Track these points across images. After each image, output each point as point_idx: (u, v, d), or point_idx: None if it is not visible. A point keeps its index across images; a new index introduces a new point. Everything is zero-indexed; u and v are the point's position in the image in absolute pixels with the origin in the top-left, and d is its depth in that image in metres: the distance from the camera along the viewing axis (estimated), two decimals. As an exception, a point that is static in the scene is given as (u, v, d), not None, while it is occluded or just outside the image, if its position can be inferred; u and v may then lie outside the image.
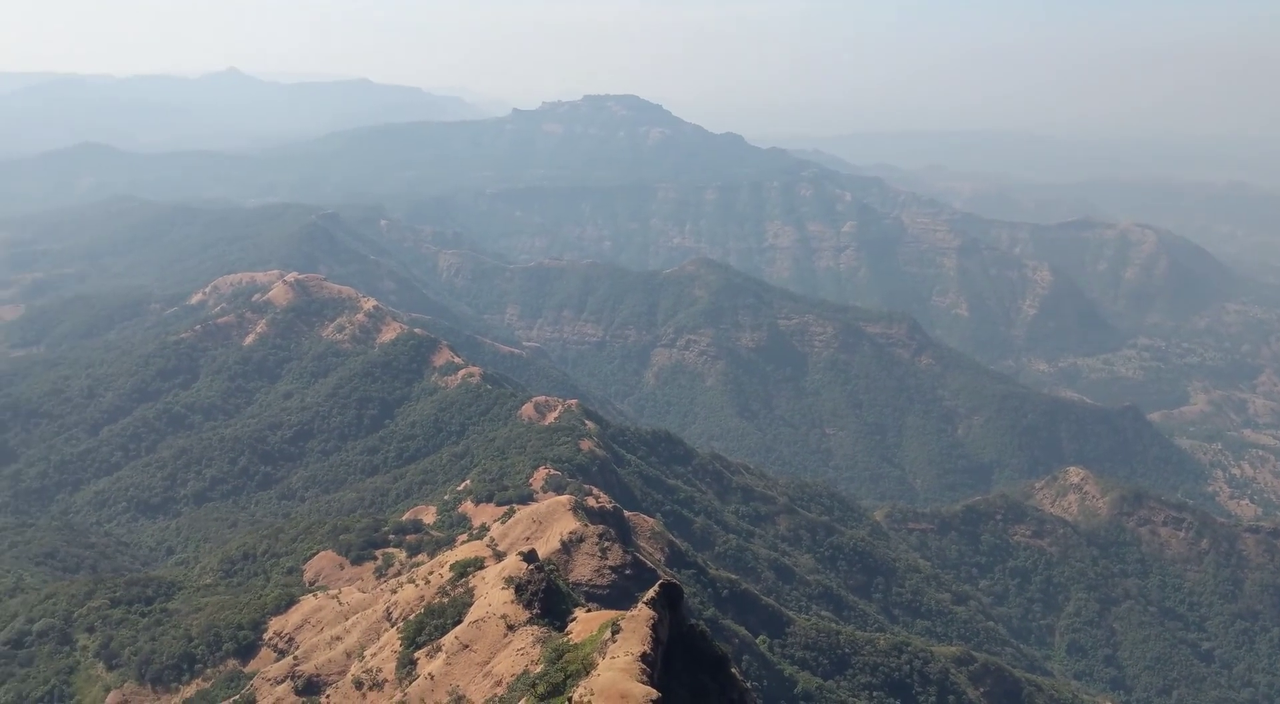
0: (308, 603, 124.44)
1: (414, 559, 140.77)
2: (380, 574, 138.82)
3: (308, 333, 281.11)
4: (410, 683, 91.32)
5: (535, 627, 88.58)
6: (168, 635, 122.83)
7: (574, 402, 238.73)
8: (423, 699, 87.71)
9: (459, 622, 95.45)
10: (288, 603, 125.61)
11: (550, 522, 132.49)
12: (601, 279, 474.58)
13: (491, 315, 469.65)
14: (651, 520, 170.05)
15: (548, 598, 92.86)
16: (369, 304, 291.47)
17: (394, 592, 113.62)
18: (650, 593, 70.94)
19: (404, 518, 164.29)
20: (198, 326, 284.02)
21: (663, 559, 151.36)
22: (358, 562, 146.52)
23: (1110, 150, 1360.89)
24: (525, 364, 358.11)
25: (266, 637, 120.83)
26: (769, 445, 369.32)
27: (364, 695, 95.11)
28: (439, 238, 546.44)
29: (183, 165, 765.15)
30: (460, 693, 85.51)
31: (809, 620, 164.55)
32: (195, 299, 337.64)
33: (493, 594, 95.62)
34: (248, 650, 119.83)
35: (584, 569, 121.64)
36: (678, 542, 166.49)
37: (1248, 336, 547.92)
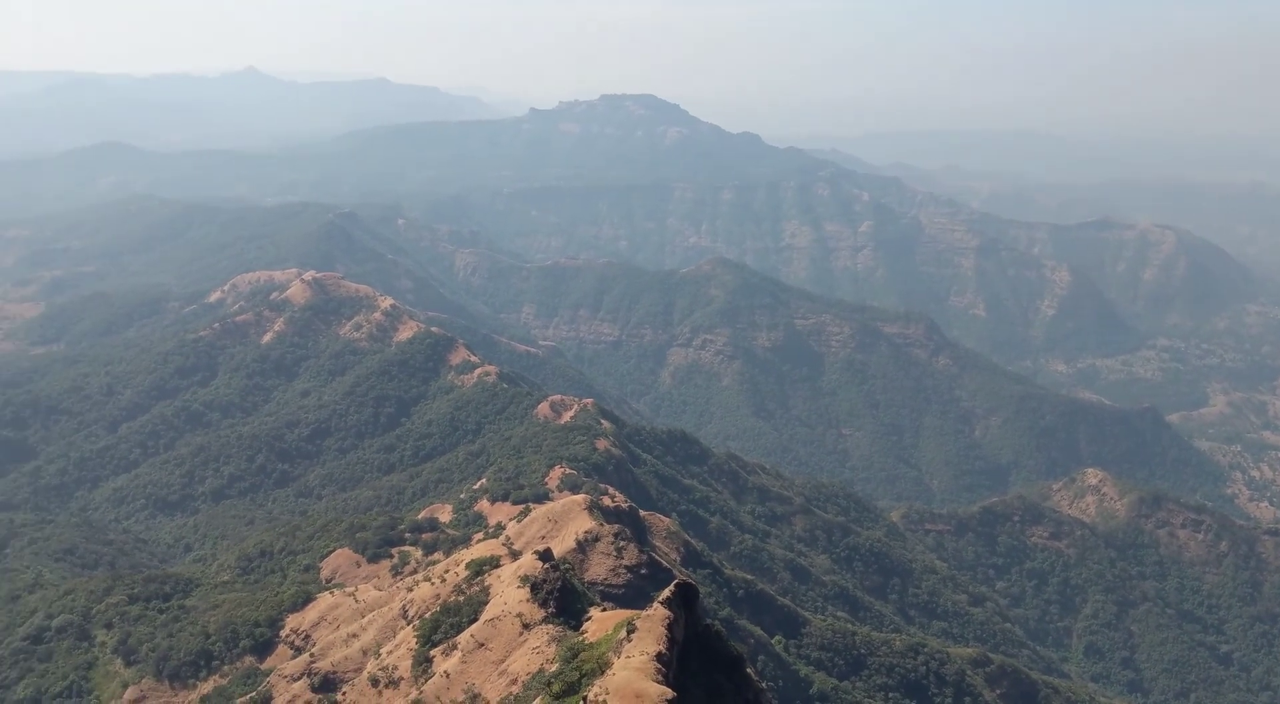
0: (324, 600, 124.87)
1: (430, 557, 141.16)
2: (396, 572, 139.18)
3: (325, 331, 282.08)
4: (426, 681, 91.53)
5: (551, 626, 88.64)
6: (185, 632, 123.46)
7: (590, 401, 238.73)
8: (438, 697, 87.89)
9: (475, 620, 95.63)
10: (304, 600, 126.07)
11: (566, 521, 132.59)
12: (618, 278, 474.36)
13: (508, 314, 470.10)
14: (667, 520, 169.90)
15: (563, 597, 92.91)
16: (386, 303, 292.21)
17: (410, 590, 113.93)
18: (666, 592, 70.89)
19: (420, 516, 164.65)
20: (216, 325, 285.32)
21: (678, 559, 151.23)
22: (374, 559, 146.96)
23: (1130, 150, 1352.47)
24: (541, 363, 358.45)
25: (283, 634, 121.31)
26: (785, 445, 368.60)
27: (380, 693, 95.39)
28: (456, 237, 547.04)
29: (202, 164, 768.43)
30: (476, 691, 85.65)
31: (825, 621, 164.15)
32: (214, 297, 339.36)
33: (508, 593, 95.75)
34: (265, 647, 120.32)
35: (599, 568, 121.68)
36: (693, 541, 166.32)
37: (1268, 338, 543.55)
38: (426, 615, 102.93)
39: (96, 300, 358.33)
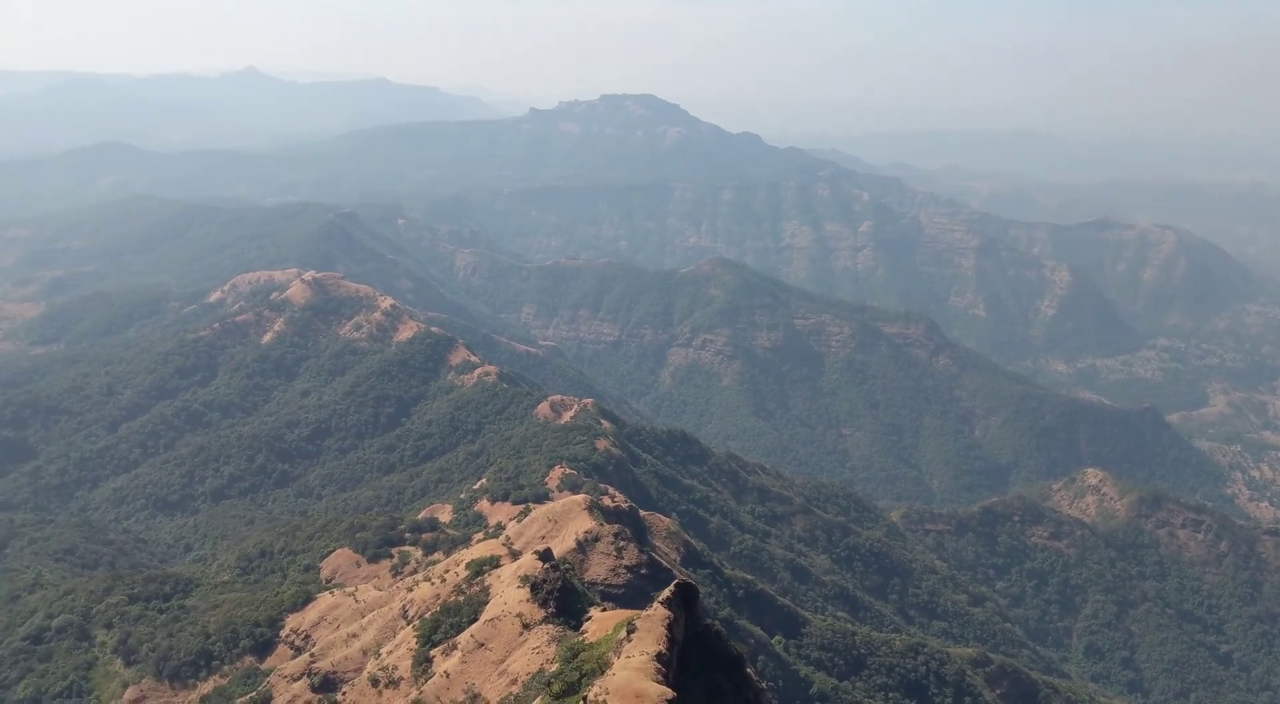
0: (324, 600, 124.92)
1: (430, 557, 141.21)
2: (396, 572, 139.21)
3: (325, 331, 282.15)
4: (426, 681, 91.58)
5: (550, 626, 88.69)
6: (185, 632, 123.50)
7: (590, 401, 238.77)
8: (438, 697, 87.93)
9: (474, 620, 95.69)
10: (304, 600, 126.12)
11: (566, 521, 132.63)
12: (618, 278, 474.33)
13: (508, 314, 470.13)
14: (667, 520, 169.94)
15: (563, 597, 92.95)
16: (386, 303, 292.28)
17: (410, 590, 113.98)
18: (666, 593, 70.91)
19: (420, 516, 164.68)
20: (216, 324, 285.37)
21: (678, 559, 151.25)
22: (374, 559, 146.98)
23: (1130, 150, 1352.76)
24: (541, 363, 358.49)
25: (283, 634, 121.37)
26: (785, 445, 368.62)
27: (380, 693, 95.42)
28: (456, 237, 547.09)
29: (202, 164, 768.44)
30: (476, 691, 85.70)
31: (825, 621, 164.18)
32: (214, 297, 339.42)
33: (508, 593, 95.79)
34: (265, 647, 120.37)
35: (599, 568, 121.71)
36: (693, 541, 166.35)
37: (1268, 338, 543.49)
38: (426, 615, 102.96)
39: (96, 300, 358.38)
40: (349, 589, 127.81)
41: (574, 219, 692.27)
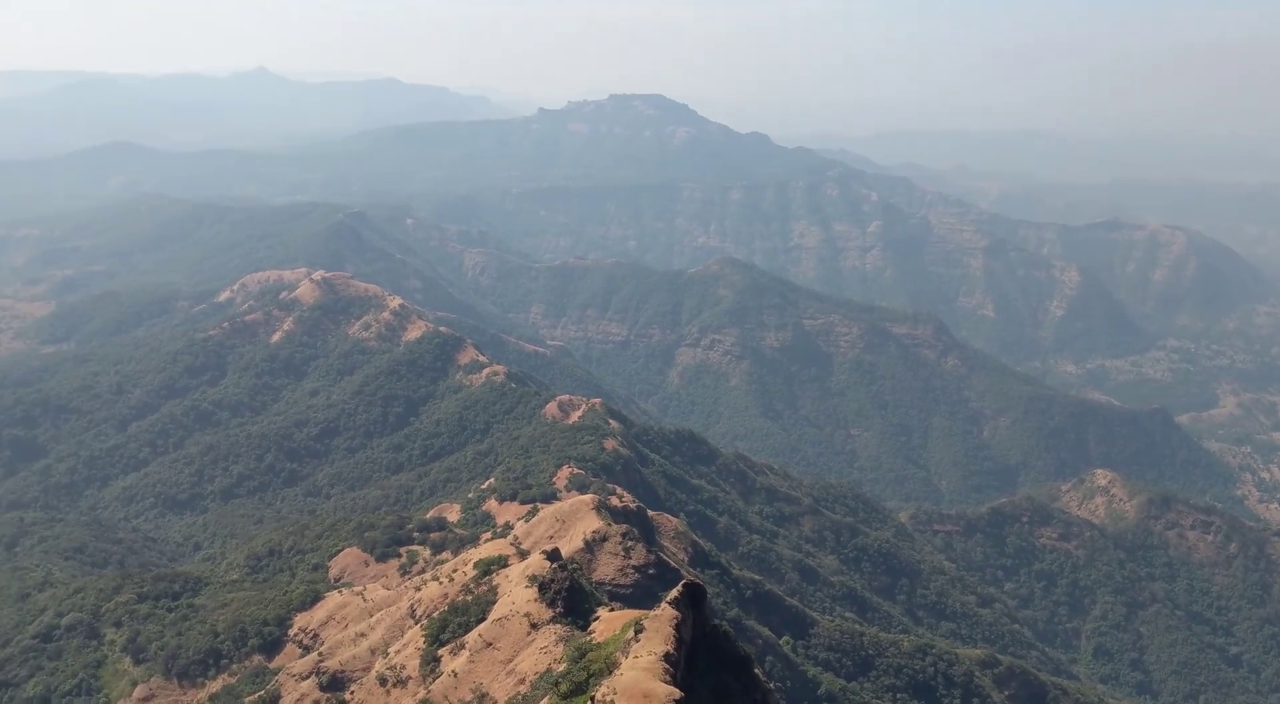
0: (333, 599, 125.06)
1: (438, 557, 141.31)
2: (404, 571, 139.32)
3: (334, 331, 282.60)
4: (434, 680, 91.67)
5: (558, 625, 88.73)
6: (194, 631, 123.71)
7: (598, 401, 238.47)
8: (446, 697, 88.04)
9: (482, 619, 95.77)
10: (313, 599, 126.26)
11: (574, 521, 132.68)
12: (626, 278, 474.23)
13: (516, 314, 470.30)
14: (675, 520, 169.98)
15: (571, 597, 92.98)
16: (395, 302, 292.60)
17: (418, 589, 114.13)
18: (673, 593, 70.82)
19: (428, 516, 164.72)
20: (225, 324, 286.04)
21: (686, 559, 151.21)
22: (382, 559, 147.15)
23: (1139, 151, 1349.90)
24: (549, 363, 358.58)
25: (292, 633, 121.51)
26: (793, 446, 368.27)
27: (388, 692, 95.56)
28: (465, 237, 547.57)
29: (212, 164, 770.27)
30: (483, 690, 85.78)
31: (833, 622, 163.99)
32: (223, 297, 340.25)
33: (516, 592, 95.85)
34: (273, 646, 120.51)
35: (607, 568, 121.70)
36: (701, 542, 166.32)
37: (1278, 339, 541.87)
38: (434, 615, 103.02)
39: (106, 299, 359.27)
40: (357, 588, 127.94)
41: (582, 219, 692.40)
